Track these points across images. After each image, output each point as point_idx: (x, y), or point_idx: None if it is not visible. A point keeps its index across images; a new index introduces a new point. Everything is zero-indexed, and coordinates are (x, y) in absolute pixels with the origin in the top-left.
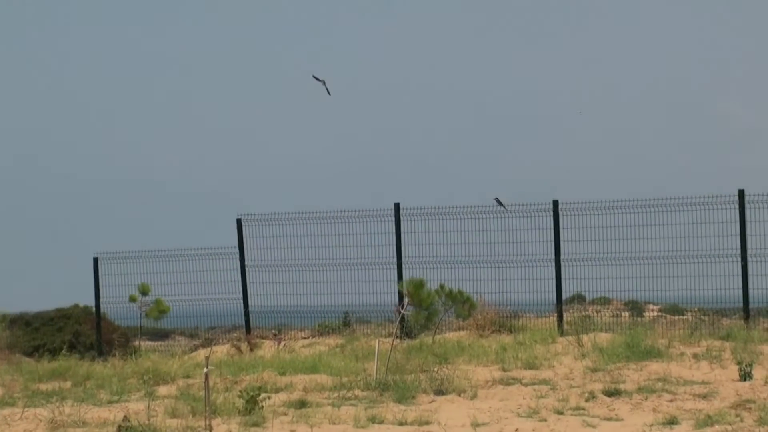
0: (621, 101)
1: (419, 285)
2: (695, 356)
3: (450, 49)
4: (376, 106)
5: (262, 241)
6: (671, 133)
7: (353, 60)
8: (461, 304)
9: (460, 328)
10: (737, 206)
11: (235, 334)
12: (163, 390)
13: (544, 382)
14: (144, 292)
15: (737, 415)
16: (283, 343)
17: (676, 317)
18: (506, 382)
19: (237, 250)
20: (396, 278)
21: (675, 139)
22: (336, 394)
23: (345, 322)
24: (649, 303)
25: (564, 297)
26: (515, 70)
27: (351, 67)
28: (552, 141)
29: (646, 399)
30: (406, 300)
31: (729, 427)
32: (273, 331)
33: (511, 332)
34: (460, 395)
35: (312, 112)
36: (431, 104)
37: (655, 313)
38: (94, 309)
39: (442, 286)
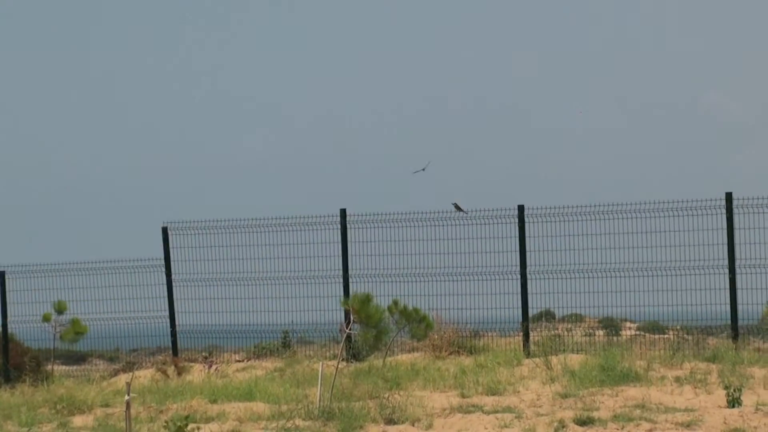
0: (593, 97)
1: (366, 300)
2: (678, 380)
3: (405, 42)
4: (320, 100)
5: (191, 252)
6: (651, 131)
7: (291, 49)
8: (416, 322)
9: (414, 350)
10: (724, 211)
11: (161, 357)
12: (78, 420)
13: (508, 409)
14: (60, 310)
15: None
16: (214, 366)
17: (657, 336)
18: (466, 410)
19: (163, 262)
20: (342, 293)
21: (656, 139)
22: (274, 424)
23: (284, 343)
24: (627, 320)
25: (531, 314)
26: (480, 65)
27: (291, 56)
28: (520, 142)
29: (622, 428)
30: (352, 318)
31: None
32: (203, 354)
33: (472, 353)
34: (413, 425)
35: (247, 109)
36: (383, 97)
37: (633, 332)
38: (0, 329)
39: (395, 303)
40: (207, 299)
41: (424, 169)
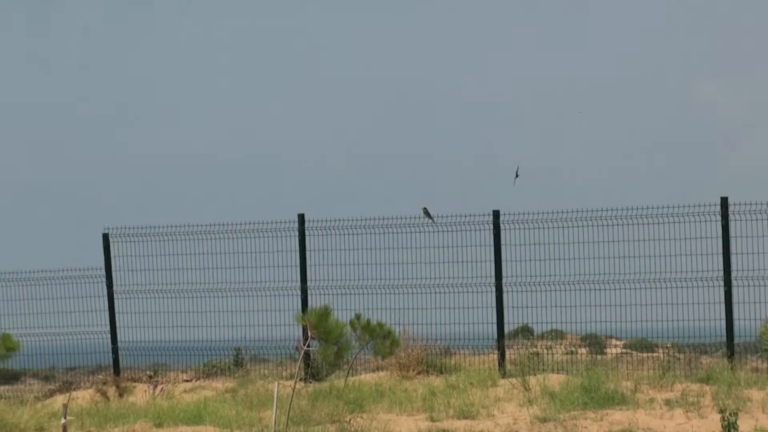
0: (577, 91)
1: (325, 314)
2: (668, 402)
3: (366, 40)
4: (276, 97)
5: (134, 262)
6: (640, 130)
7: (251, 49)
8: (380, 338)
9: (379, 368)
10: (719, 218)
11: (101, 377)
12: None
13: None
14: None
15: None
16: (160, 387)
17: (645, 354)
18: None
19: (103, 272)
20: (300, 306)
21: (645, 138)
22: None
23: (237, 361)
24: (612, 337)
25: (507, 330)
26: (455, 60)
27: (249, 55)
28: (497, 140)
29: None
30: (310, 333)
31: None
32: (148, 373)
33: (442, 373)
34: None
35: (199, 105)
36: (344, 96)
37: (619, 350)
38: None
39: (357, 317)
40: (152, 313)
41: (517, 176)
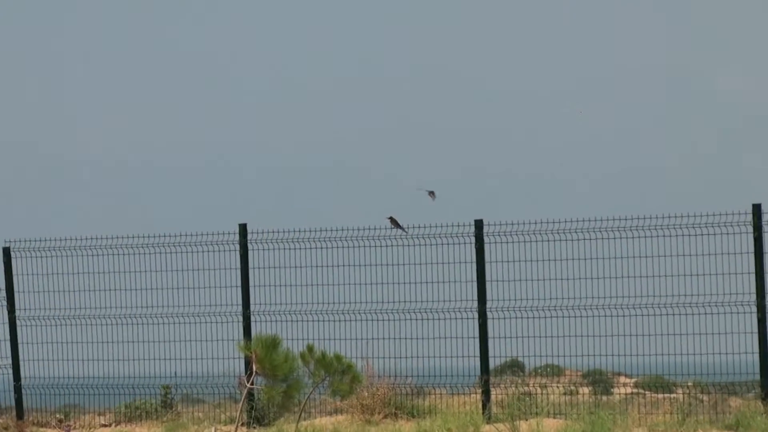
0: (586, 87)
1: (272, 345)
2: None
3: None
4: (209, 89)
5: (42, 281)
6: (652, 126)
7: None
8: (339, 374)
9: (337, 410)
10: (751, 229)
11: (1, 420)
12: None
13: None
14: None
15: None
16: None
17: (661, 395)
18: None
19: (3, 293)
20: (242, 335)
21: (658, 136)
22: None
23: (165, 402)
24: (620, 374)
25: (493, 365)
26: (449, 47)
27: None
28: (484, 137)
29: None
30: (255, 368)
31: None
32: (57, 416)
33: (414, 417)
34: None
35: (119, 95)
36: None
37: (630, 389)
38: None
39: (309, 348)
40: (63, 343)
41: (431, 194)
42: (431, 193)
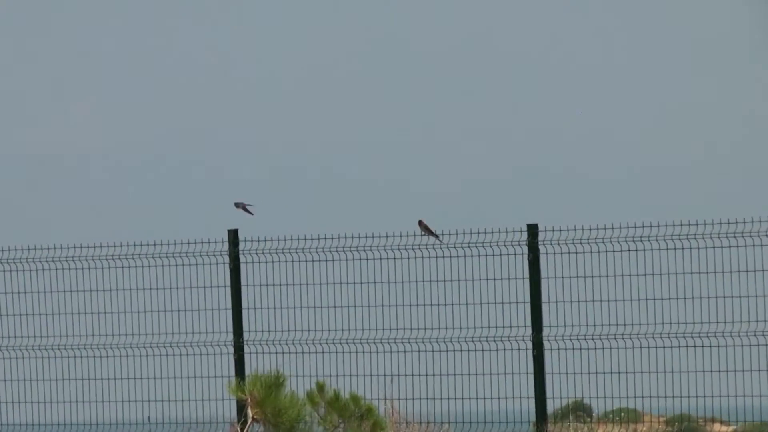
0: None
1: (276, 384)
2: None
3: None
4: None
5: None
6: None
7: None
8: (356, 419)
9: None
10: None
11: None
12: None
13: None
14: None
15: None
16: None
17: None
18: None
19: None
20: (234, 371)
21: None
22: None
23: None
24: (715, 420)
25: (552, 408)
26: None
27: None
28: (529, 134)
29: None
30: (251, 413)
31: None
32: None
33: None
34: None
35: (83, 88)
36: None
37: None
38: None
39: (320, 387)
40: (15, 380)
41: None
42: (244, 207)
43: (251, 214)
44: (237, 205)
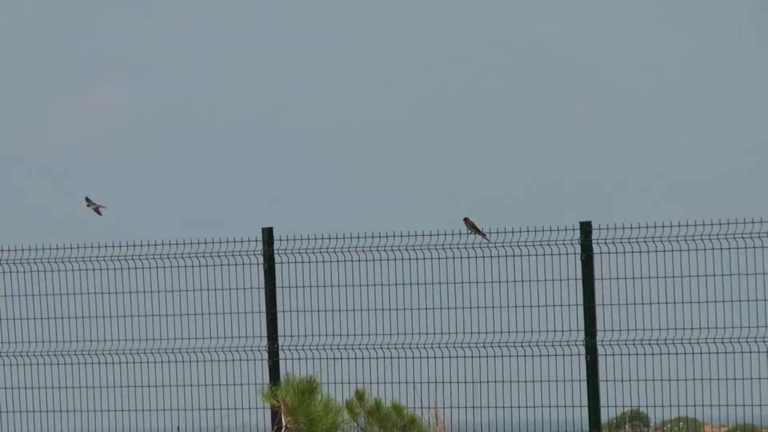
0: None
1: (309, 390)
2: None
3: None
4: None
5: (8, 305)
6: None
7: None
8: (399, 429)
9: None
10: None
11: None
12: None
13: None
14: None
15: None
16: None
17: None
18: None
19: None
20: (268, 377)
21: None
22: None
23: None
24: None
25: (606, 417)
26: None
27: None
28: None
29: None
30: (285, 421)
31: None
32: None
33: None
34: None
35: (101, 73)
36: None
37: None
38: None
39: (360, 395)
40: (31, 389)
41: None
42: (96, 208)
43: (100, 215)
44: (88, 203)
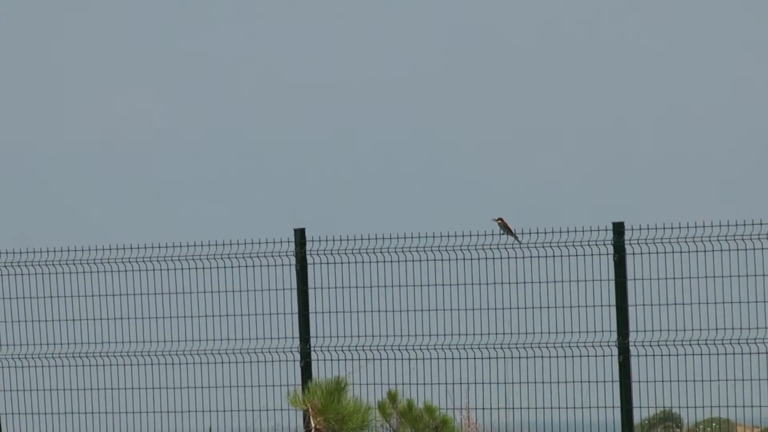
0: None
1: (336, 391)
2: None
3: None
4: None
5: (21, 307)
6: None
7: None
8: (431, 430)
9: None
10: None
11: None
12: None
13: None
14: None
15: None
16: None
17: None
18: None
19: None
20: (300, 379)
21: None
22: None
23: None
24: None
25: (639, 417)
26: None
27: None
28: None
29: None
30: (314, 423)
31: None
32: None
33: None
34: None
35: (129, 75)
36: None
37: None
38: None
39: (392, 396)
40: (57, 390)
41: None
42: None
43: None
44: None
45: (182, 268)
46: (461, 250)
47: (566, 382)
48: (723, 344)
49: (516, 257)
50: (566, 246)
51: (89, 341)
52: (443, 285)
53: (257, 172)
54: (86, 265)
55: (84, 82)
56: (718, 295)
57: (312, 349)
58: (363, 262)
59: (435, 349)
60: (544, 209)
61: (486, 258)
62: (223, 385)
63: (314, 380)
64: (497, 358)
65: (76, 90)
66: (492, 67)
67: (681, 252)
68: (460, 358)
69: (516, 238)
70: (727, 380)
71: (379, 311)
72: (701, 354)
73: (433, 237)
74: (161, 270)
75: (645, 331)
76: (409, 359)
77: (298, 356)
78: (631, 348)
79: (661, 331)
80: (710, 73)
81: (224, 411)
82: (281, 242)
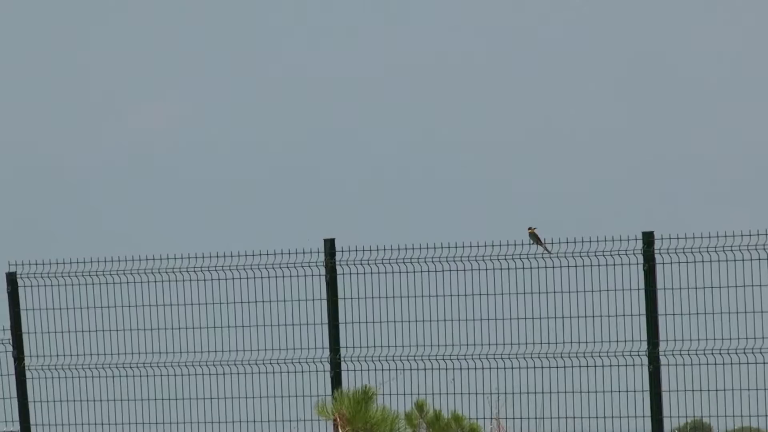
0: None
1: (364, 400)
2: None
3: None
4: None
5: (57, 318)
6: None
7: None
8: None
9: None
10: None
11: None
12: None
13: None
14: None
15: None
16: None
17: None
18: None
19: (8, 334)
20: (330, 389)
21: None
22: None
23: None
24: None
25: (669, 427)
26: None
27: None
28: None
29: None
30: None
31: None
32: None
33: None
34: None
35: (151, 84)
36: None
37: None
38: None
39: (419, 406)
40: (87, 401)
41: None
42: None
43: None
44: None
45: (212, 279)
46: (491, 260)
47: (596, 391)
48: (754, 353)
49: (546, 267)
50: (596, 255)
51: (120, 352)
52: (473, 295)
53: (287, 182)
54: (116, 276)
55: (111, 93)
56: (748, 304)
57: (342, 359)
58: (393, 272)
59: (465, 358)
60: (573, 218)
61: (516, 268)
62: (254, 396)
63: (339, 391)
64: (527, 367)
65: (104, 101)
66: (526, 73)
67: (711, 261)
68: (490, 368)
69: (546, 248)
70: (758, 389)
71: (408, 321)
72: (732, 363)
73: (463, 247)
74: (191, 281)
75: (675, 340)
76: (440, 369)
77: (328, 366)
78: (661, 357)
79: (691, 340)
80: (736, 75)
81: (254, 421)
82: (311, 252)
